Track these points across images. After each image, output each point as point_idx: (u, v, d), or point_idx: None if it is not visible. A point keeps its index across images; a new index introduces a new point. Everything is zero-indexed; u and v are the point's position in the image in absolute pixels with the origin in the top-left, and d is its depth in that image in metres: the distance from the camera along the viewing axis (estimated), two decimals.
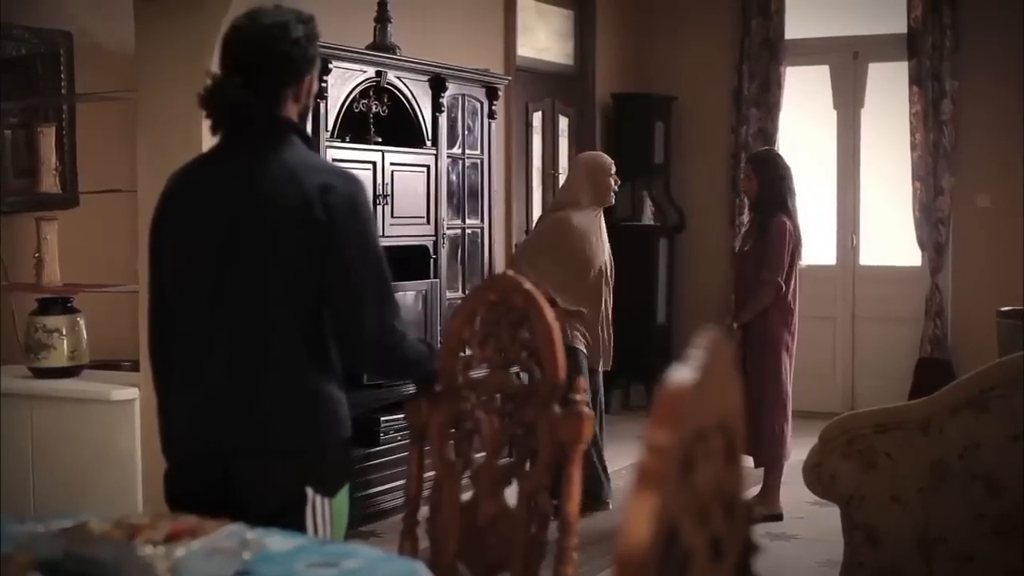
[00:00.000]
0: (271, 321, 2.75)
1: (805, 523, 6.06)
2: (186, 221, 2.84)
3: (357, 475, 5.70)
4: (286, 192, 2.74)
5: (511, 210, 8.35)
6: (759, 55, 9.31)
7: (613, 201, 6.44)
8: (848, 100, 9.31)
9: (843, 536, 4.01)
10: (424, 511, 2.88)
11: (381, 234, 5.84)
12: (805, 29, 9.37)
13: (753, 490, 6.17)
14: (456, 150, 6.98)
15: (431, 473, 2.88)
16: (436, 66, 6.77)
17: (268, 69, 2.79)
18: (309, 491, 2.74)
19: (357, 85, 6.20)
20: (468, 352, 2.85)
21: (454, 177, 6.98)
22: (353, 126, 6.29)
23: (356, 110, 6.26)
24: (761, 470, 6.21)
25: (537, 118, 8.79)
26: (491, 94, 7.24)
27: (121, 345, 5.41)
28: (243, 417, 2.75)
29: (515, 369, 2.79)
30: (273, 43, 2.78)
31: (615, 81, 9.56)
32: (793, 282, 6.19)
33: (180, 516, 2.35)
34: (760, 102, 9.31)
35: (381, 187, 6.29)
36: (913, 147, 8.88)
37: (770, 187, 6.23)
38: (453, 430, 2.86)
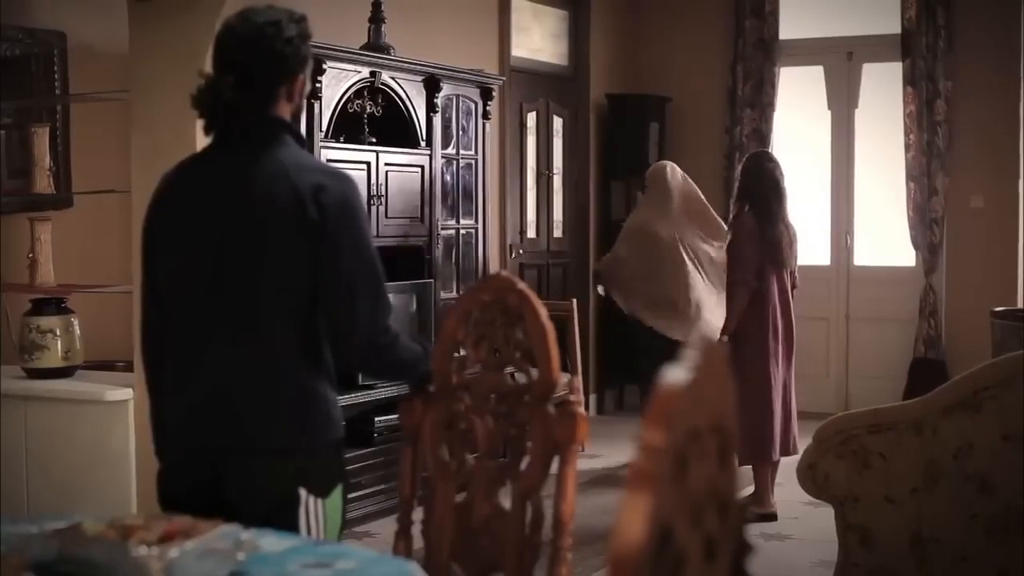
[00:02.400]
0: (264, 321, 2.74)
1: (799, 523, 6.07)
2: (179, 221, 2.84)
3: (351, 476, 5.71)
4: (279, 191, 2.73)
5: (505, 211, 8.36)
6: (753, 55, 9.31)
7: None
8: (842, 100, 9.32)
9: (837, 536, 4.01)
10: (418, 512, 2.88)
11: (375, 234, 5.84)
12: (799, 29, 9.38)
13: (747, 490, 6.18)
14: (450, 150, 6.98)
15: (425, 474, 2.87)
16: (430, 66, 6.77)
17: (261, 68, 2.79)
18: (302, 492, 2.74)
19: (351, 85, 6.20)
20: (462, 352, 2.84)
21: (448, 177, 6.98)
22: (347, 126, 6.29)
23: (350, 110, 6.26)
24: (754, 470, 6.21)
25: (531, 118, 8.80)
26: (485, 94, 7.24)
27: (115, 345, 5.41)
28: (236, 417, 2.75)
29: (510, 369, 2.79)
30: (266, 42, 2.77)
31: (610, 82, 9.57)
32: (773, 285, 6.16)
33: (174, 517, 2.35)
34: (754, 102, 9.32)
35: (375, 187, 6.29)
36: (907, 147, 8.89)
37: (742, 188, 6.33)
38: (447, 430, 2.86)
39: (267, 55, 2.78)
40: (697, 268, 7.21)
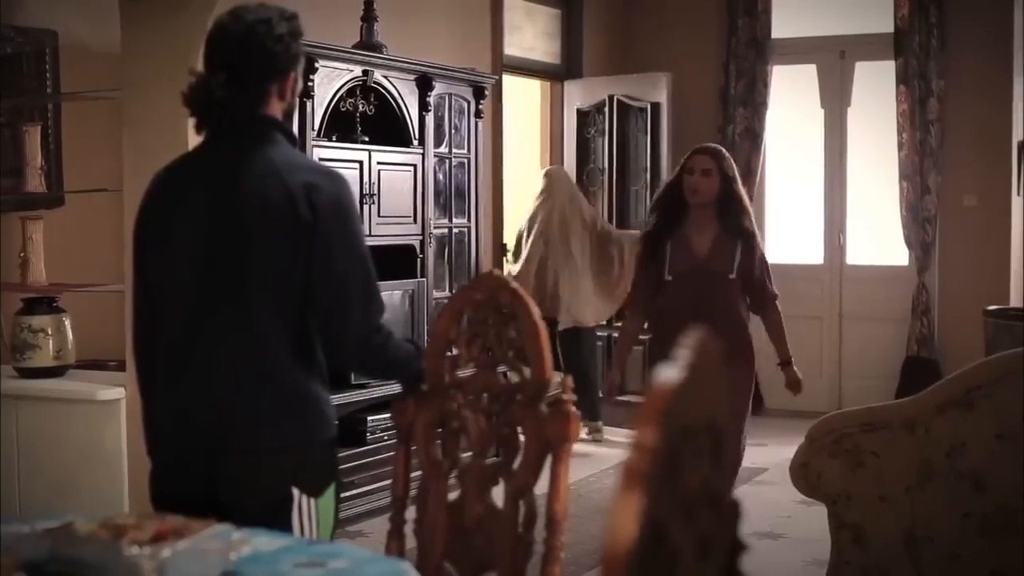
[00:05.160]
0: (255, 321, 2.74)
1: (792, 522, 6.07)
2: (170, 220, 2.83)
3: (344, 475, 5.70)
4: (270, 190, 2.73)
5: (498, 210, 8.35)
6: (746, 54, 9.31)
7: None
8: (835, 99, 9.32)
9: (830, 535, 4.01)
10: (411, 511, 2.87)
11: (368, 233, 5.83)
12: (792, 28, 9.38)
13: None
14: (443, 149, 6.98)
15: (418, 473, 2.87)
16: (423, 65, 6.76)
17: (252, 66, 2.78)
18: (295, 491, 2.74)
19: (344, 84, 6.19)
20: (455, 351, 2.84)
21: (441, 176, 6.98)
22: (340, 125, 6.28)
23: (343, 109, 6.26)
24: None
25: None
26: (478, 93, 7.23)
27: (107, 345, 5.40)
28: (228, 417, 2.74)
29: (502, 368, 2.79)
30: (256, 39, 2.77)
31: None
32: None
33: (166, 516, 2.34)
34: (747, 101, 9.31)
35: (368, 186, 6.28)
36: (900, 146, 8.90)
37: (736, 185, 5.01)
38: (440, 430, 2.85)
39: (258, 53, 2.78)
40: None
